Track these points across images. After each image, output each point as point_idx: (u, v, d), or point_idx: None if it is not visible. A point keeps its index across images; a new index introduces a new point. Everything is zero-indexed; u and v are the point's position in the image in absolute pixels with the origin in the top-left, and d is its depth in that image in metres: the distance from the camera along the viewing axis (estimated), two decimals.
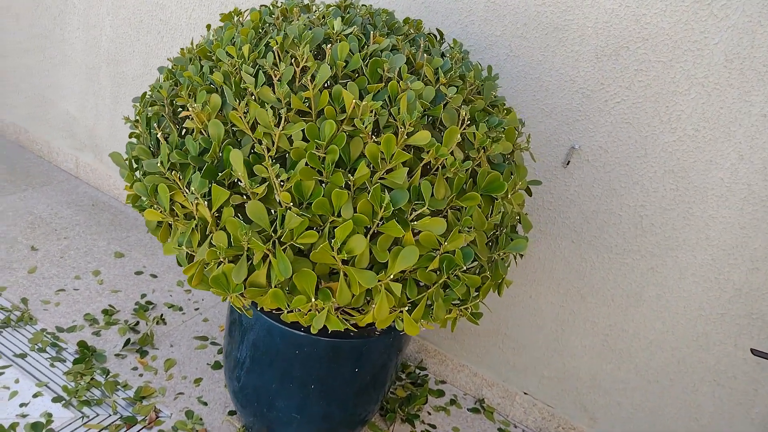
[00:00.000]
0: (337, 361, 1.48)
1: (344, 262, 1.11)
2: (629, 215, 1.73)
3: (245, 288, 1.07)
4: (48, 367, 1.80)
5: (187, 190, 1.06)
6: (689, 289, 1.70)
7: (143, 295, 2.22)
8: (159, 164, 1.10)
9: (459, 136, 1.13)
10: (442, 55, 1.29)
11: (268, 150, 1.05)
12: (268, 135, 1.06)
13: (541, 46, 1.73)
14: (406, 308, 1.17)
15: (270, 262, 1.06)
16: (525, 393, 2.05)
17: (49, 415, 1.64)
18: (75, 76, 2.74)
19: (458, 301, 1.30)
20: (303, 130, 1.03)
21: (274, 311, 1.47)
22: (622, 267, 1.78)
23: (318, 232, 1.09)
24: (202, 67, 1.20)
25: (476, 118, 1.18)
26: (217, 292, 1.10)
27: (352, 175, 1.06)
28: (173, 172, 1.08)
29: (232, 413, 1.81)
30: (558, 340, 1.95)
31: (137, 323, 2.07)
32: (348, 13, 1.30)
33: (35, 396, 1.68)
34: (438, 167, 1.14)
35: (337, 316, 1.15)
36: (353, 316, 1.19)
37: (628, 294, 1.79)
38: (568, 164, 1.78)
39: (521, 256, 1.50)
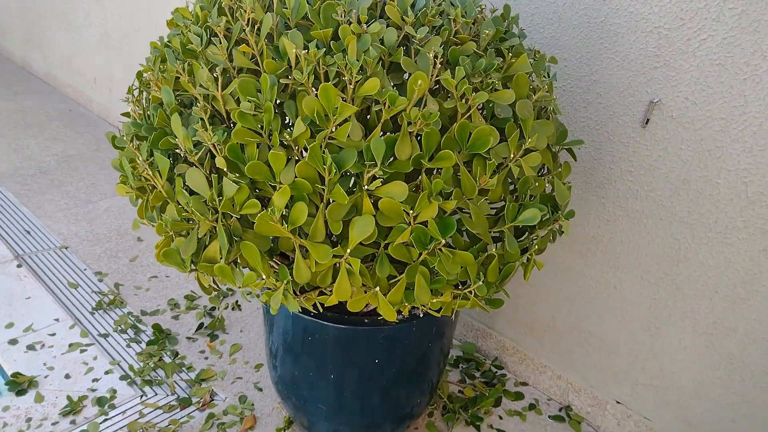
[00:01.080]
0: (355, 351, 1.35)
1: (303, 236, 0.99)
2: (730, 182, 1.36)
3: (195, 263, 1.01)
4: (124, 347, 1.92)
5: (140, 161, 1.03)
6: None
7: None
8: (125, 138, 1.08)
9: (428, 83, 0.95)
10: None
11: (206, 112, 0.97)
12: (212, 97, 0.99)
13: None
14: (378, 288, 1.01)
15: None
16: (618, 402, 1.73)
17: (114, 391, 1.74)
18: None
19: (458, 283, 1.10)
20: (237, 87, 0.94)
21: None
22: (725, 249, 1.40)
23: (264, 203, 0.99)
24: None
25: (460, 62, 0.98)
26: (176, 267, 1.05)
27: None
28: (135, 144, 1.06)
29: None
30: (652, 340, 1.60)
31: (214, 309, 2.14)
32: None
33: (107, 373, 1.81)
34: (404, 124, 0.96)
35: (296, 295, 1.03)
36: (326, 296, 1.07)
37: (735, 283, 1.41)
38: (647, 123, 1.46)
39: (562, 232, 1.25)
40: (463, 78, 0.96)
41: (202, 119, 0.98)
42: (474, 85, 0.98)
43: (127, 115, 1.22)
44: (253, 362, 1.92)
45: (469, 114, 1.01)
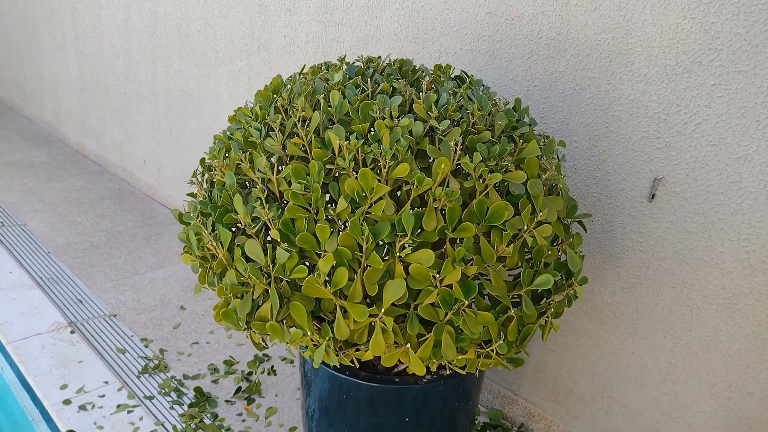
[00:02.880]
0: (387, 408, 1.45)
1: (343, 298, 1.14)
2: (733, 251, 1.47)
3: (249, 322, 1.15)
4: (168, 409, 2.04)
5: (206, 234, 1.20)
6: None
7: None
8: (192, 215, 1.27)
9: (450, 167, 1.11)
10: (436, 92, 1.30)
11: (264, 192, 1.15)
12: (269, 180, 1.17)
13: (606, 74, 1.62)
14: (408, 345, 1.14)
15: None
16: None
17: None
18: None
19: (481, 343, 1.22)
20: (290, 173, 1.12)
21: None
22: (734, 314, 1.50)
23: (310, 269, 1.14)
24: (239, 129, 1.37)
25: (477, 148, 1.15)
26: (232, 326, 1.19)
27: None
28: (201, 219, 1.24)
29: None
30: (671, 405, 1.66)
31: (251, 373, 2.26)
32: (368, 67, 1.39)
33: None
34: (430, 200, 1.12)
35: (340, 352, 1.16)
36: (359, 351, 1.19)
37: (747, 347, 1.49)
38: (653, 198, 1.59)
39: (576, 297, 1.36)
40: (480, 162, 1.12)
41: (259, 198, 1.15)
42: (490, 167, 1.14)
43: (192, 195, 1.41)
44: (288, 425, 2.01)
45: (486, 191, 1.17)
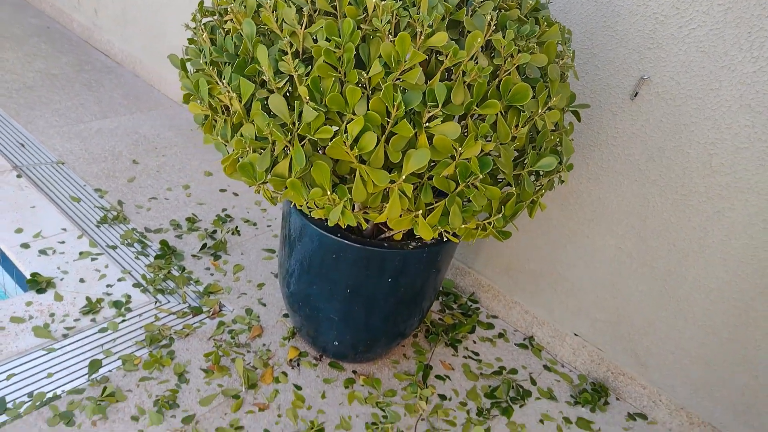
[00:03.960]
0: (371, 269, 1.55)
1: (361, 162, 1.16)
2: (698, 153, 1.61)
3: (268, 177, 1.16)
4: (133, 259, 2.04)
5: (222, 84, 1.16)
6: (758, 236, 1.57)
7: (224, 209, 2.43)
8: (202, 62, 1.20)
9: (482, 42, 1.12)
10: None
11: (291, 46, 1.11)
12: (294, 34, 1.13)
13: None
14: (421, 212, 1.20)
15: (290, 153, 1.14)
16: (576, 335, 2.02)
17: (129, 296, 1.88)
18: (179, 14, 2.97)
19: (482, 215, 1.30)
20: (323, 28, 1.08)
21: (316, 219, 1.56)
22: (686, 209, 1.67)
23: (335, 130, 1.15)
24: None
25: (507, 26, 1.16)
26: (246, 180, 1.20)
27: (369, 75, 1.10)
28: (213, 68, 1.18)
29: (285, 316, 1.96)
30: (614, 284, 1.88)
31: (215, 231, 2.28)
32: None
33: (119, 280, 1.93)
34: (459, 73, 1.14)
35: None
36: (369, 214, 1.25)
37: (691, 238, 1.68)
38: (636, 96, 1.68)
39: (562, 181, 1.47)
40: (512, 40, 1.14)
41: (286, 52, 1.11)
42: (519, 47, 1.16)
43: (191, 41, 1.33)
44: (256, 281, 2.09)
45: (509, 71, 1.19)
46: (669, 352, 1.82)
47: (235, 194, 2.55)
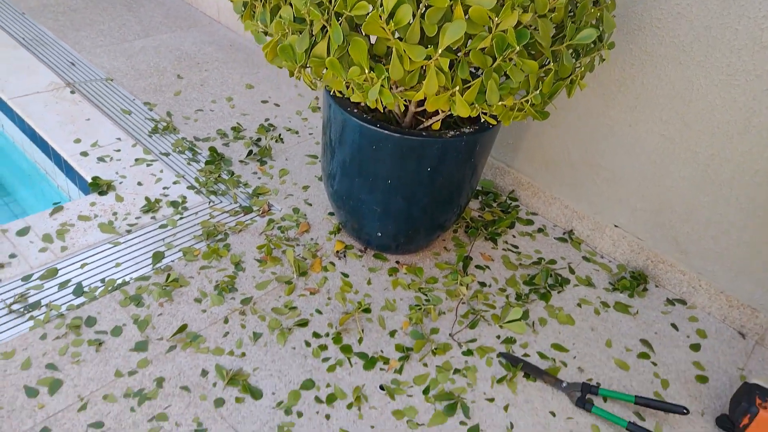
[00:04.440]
0: (410, 160, 1.59)
1: (398, 39, 1.18)
2: (747, 28, 1.55)
3: (308, 59, 1.20)
4: (185, 164, 2.15)
5: None
6: None
7: (267, 119, 2.49)
8: None
9: None
10: None
11: None
12: None
13: None
14: (458, 89, 1.23)
15: (328, 32, 1.17)
16: (616, 226, 2.04)
17: (184, 197, 1.99)
18: None
19: (519, 94, 1.32)
20: None
21: (356, 112, 1.60)
22: (732, 89, 1.63)
23: (371, 7, 1.16)
24: None
25: None
26: (287, 64, 1.24)
27: None
28: None
29: (331, 214, 2.05)
30: (655, 172, 1.88)
31: (259, 139, 2.36)
32: None
33: (174, 183, 2.04)
34: None
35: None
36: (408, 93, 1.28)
37: (736, 120, 1.65)
38: None
39: (603, 60, 1.45)
40: None
41: None
42: None
43: None
44: (301, 184, 2.17)
45: None
46: (710, 237, 1.83)
47: (277, 105, 2.60)
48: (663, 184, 1.87)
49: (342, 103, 1.63)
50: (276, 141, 2.37)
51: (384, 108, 1.76)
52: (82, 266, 1.69)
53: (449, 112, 1.57)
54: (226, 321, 1.62)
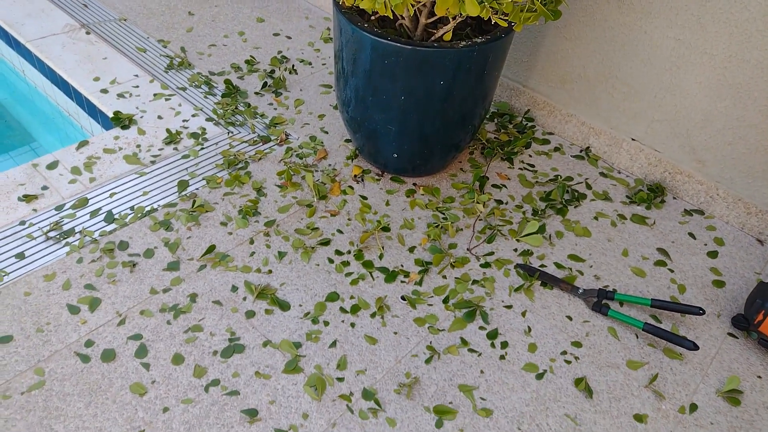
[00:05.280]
0: (423, 72, 1.60)
1: None
2: None
3: None
4: (203, 98, 2.18)
5: None
6: None
7: (279, 51, 2.50)
8: None
9: None
10: None
11: None
12: None
13: None
14: None
15: None
16: (633, 139, 2.03)
17: (204, 129, 2.03)
18: None
19: None
20: None
21: (367, 27, 1.60)
22: None
23: None
24: None
25: None
26: None
27: None
28: None
29: (347, 141, 2.08)
30: (671, 80, 1.85)
31: (273, 71, 2.37)
32: None
33: (193, 116, 2.08)
34: None
35: None
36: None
37: (756, 17, 1.61)
38: None
39: None
40: None
41: None
42: None
43: None
44: (316, 113, 2.19)
45: None
46: (727, 144, 1.82)
47: (288, 37, 2.60)
48: (679, 92, 1.85)
49: (353, 19, 1.63)
50: (290, 72, 2.38)
51: (395, 22, 1.75)
52: (111, 195, 1.75)
53: (460, 20, 1.56)
54: (251, 242, 1.68)
